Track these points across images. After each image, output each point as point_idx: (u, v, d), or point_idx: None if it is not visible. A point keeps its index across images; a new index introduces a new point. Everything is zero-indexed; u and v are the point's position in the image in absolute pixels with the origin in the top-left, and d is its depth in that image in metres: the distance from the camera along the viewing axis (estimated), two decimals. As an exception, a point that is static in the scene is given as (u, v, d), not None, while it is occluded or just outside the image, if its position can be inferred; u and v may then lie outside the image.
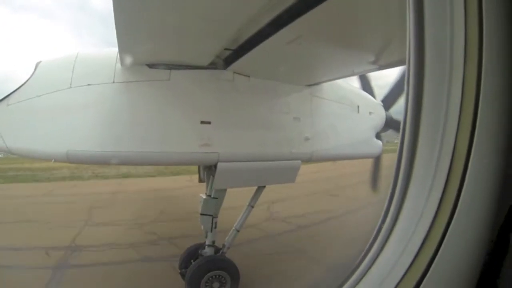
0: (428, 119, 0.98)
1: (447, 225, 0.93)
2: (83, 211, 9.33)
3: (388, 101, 6.08)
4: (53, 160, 3.56)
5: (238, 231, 4.43)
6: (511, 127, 0.90)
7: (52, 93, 3.48)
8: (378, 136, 5.68)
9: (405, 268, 0.99)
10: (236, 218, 4.53)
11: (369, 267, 1.09)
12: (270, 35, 2.67)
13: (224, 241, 4.41)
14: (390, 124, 5.93)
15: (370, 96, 5.77)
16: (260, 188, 4.47)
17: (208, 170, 4.40)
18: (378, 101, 5.96)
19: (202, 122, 3.66)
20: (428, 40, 0.96)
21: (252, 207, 4.52)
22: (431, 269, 0.94)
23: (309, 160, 4.50)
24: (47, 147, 3.44)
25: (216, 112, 3.75)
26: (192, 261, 4.42)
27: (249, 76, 3.95)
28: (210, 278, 4.03)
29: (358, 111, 5.15)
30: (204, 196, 4.36)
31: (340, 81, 4.86)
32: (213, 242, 4.36)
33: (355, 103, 5.12)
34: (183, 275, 4.45)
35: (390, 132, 6.18)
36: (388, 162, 6.19)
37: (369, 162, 6.36)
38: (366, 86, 6.09)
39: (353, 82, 5.94)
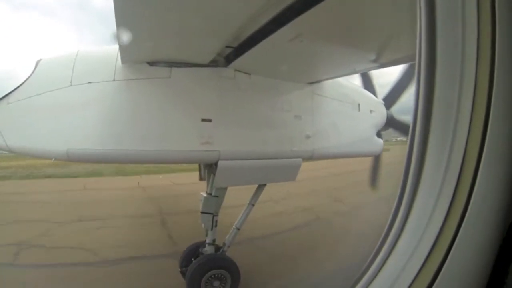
0: (439, 121, 0.97)
1: (456, 229, 0.91)
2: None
3: (390, 100, 6.08)
4: (53, 159, 3.55)
5: (238, 229, 4.43)
6: None
7: (52, 91, 3.46)
8: (378, 134, 5.68)
9: (415, 272, 0.98)
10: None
11: (377, 272, 1.08)
12: (271, 33, 2.65)
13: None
14: (391, 123, 5.93)
15: (371, 94, 5.77)
16: (261, 186, 4.47)
17: (209, 168, 4.39)
18: (379, 99, 5.95)
19: (203, 120, 3.65)
20: (440, 39, 0.94)
21: (253, 205, 4.52)
22: (440, 274, 0.93)
23: (310, 158, 4.49)
24: (47, 146, 3.43)
25: (217, 110, 3.74)
26: (192, 259, 4.42)
27: (250, 74, 3.93)
28: (211, 277, 4.04)
29: (359, 109, 5.14)
30: (204, 194, 4.36)
31: (341, 79, 4.85)
32: (214, 240, 4.37)
33: (356, 101, 5.12)
34: (183, 274, 4.46)
35: (390, 130, 6.19)
36: (387, 160, 6.24)
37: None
38: (368, 84, 6.08)
39: (355, 80, 5.95)
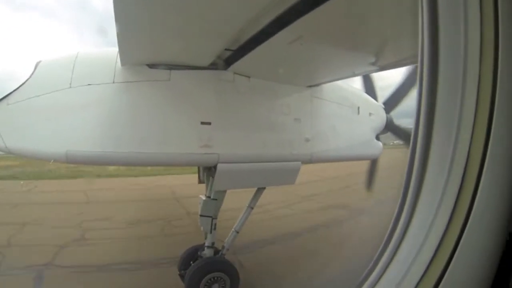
0: (442, 122, 0.96)
1: (460, 234, 0.91)
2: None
3: (390, 104, 6.08)
4: (52, 161, 3.54)
5: (237, 232, 4.41)
6: None
7: (52, 93, 3.46)
8: (376, 137, 5.69)
9: (418, 278, 0.97)
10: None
11: (379, 278, 1.07)
12: (271, 36, 2.66)
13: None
14: (390, 127, 5.93)
15: (370, 98, 5.77)
16: (260, 190, 4.45)
17: (208, 171, 4.39)
18: (379, 102, 5.96)
19: (202, 123, 3.65)
20: (442, 40, 0.93)
21: (252, 208, 4.51)
22: (443, 280, 0.92)
23: (309, 161, 4.48)
24: (46, 147, 3.42)
25: (216, 113, 3.74)
26: (191, 262, 4.40)
27: (249, 77, 3.94)
28: (210, 280, 4.02)
29: (358, 113, 5.15)
30: (203, 198, 4.34)
31: (340, 82, 4.86)
32: (213, 243, 4.35)
33: (355, 104, 5.12)
34: (182, 277, 4.43)
35: (388, 134, 6.19)
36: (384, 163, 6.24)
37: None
38: (369, 87, 6.10)
39: (357, 83, 5.98)
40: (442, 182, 0.96)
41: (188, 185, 8.60)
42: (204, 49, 3.29)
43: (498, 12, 0.85)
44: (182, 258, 4.75)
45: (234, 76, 3.83)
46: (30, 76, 3.60)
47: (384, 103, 6.02)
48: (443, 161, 0.96)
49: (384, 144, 6.01)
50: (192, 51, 3.40)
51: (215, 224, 4.27)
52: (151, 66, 3.57)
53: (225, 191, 4.17)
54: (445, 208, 0.95)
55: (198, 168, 5.25)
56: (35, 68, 3.65)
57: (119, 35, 2.78)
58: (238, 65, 3.55)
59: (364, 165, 6.46)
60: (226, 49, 3.29)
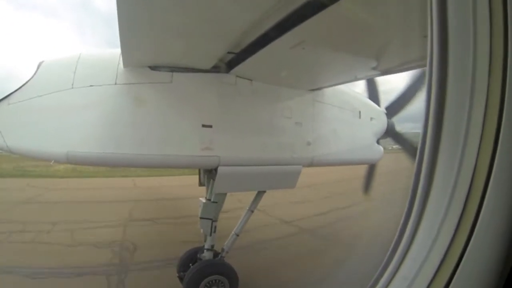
0: (451, 125, 0.96)
1: (469, 234, 0.90)
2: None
3: (393, 109, 6.08)
4: (52, 161, 3.53)
5: (237, 235, 4.40)
6: None
7: (53, 93, 3.46)
8: (377, 142, 5.69)
9: (428, 280, 0.96)
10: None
11: (390, 281, 1.07)
12: (273, 39, 2.66)
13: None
14: (390, 132, 5.93)
15: (371, 102, 5.77)
16: (260, 193, 4.45)
17: (209, 173, 4.38)
18: (381, 107, 5.96)
19: (204, 126, 3.65)
20: (452, 43, 0.93)
21: (252, 211, 4.51)
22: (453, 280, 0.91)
23: (310, 165, 4.48)
24: (47, 148, 3.42)
25: (217, 116, 3.73)
26: (190, 264, 4.38)
27: (251, 80, 3.94)
28: (209, 283, 4.00)
29: (360, 117, 5.15)
30: (203, 200, 4.34)
31: (342, 86, 4.85)
32: (212, 246, 4.34)
33: (356, 108, 5.13)
34: (181, 279, 4.42)
35: (388, 139, 6.19)
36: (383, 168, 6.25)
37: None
38: (373, 91, 6.09)
39: (360, 87, 5.99)
40: (451, 185, 0.96)
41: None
42: (206, 51, 3.29)
43: (507, 15, 0.84)
44: (182, 260, 4.74)
45: (236, 79, 3.83)
46: (33, 76, 3.61)
47: (387, 108, 6.02)
48: (452, 161, 0.96)
49: (384, 148, 6.02)
50: (194, 54, 3.40)
51: (215, 227, 4.26)
52: (153, 68, 3.57)
53: (225, 194, 4.17)
54: (454, 211, 0.95)
55: (199, 170, 5.25)
56: (38, 68, 3.65)
57: (122, 37, 2.78)
58: (240, 68, 3.55)
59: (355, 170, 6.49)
60: (228, 52, 3.28)
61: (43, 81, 3.56)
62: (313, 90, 4.46)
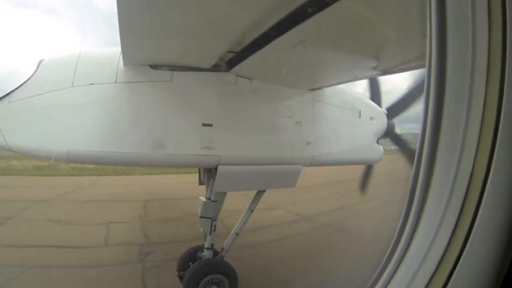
0: (449, 124, 0.96)
1: (466, 236, 0.90)
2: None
3: (394, 110, 6.06)
4: (53, 160, 3.54)
5: (237, 234, 4.41)
6: None
7: (54, 91, 3.46)
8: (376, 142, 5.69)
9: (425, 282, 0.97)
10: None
11: (389, 281, 1.07)
12: (274, 38, 2.65)
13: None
14: (389, 133, 5.92)
15: (371, 102, 5.77)
16: (260, 192, 4.45)
17: (209, 172, 4.38)
18: (382, 107, 5.95)
19: (204, 125, 3.64)
20: (450, 42, 0.93)
21: (252, 211, 4.51)
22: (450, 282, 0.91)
23: (310, 165, 4.48)
24: (47, 146, 3.42)
25: (218, 115, 3.73)
26: (190, 263, 4.39)
27: (251, 79, 3.93)
28: (208, 282, 4.01)
29: (360, 116, 5.14)
30: (203, 199, 4.34)
31: (342, 86, 4.85)
32: (212, 245, 4.34)
33: (357, 108, 5.12)
34: (181, 278, 4.42)
35: (386, 140, 6.18)
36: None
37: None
38: (375, 91, 6.09)
39: (362, 86, 5.98)
40: (448, 186, 0.96)
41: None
42: (207, 50, 3.28)
43: (506, 17, 0.84)
44: (181, 259, 4.74)
45: (236, 78, 3.83)
46: (33, 74, 3.60)
47: (388, 110, 6.00)
48: (450, 163, 0.96)
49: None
50: (195, 53, 3.39)
51: (215, 226, 4.26)
52: (154, 66, 3.56)
53: (225, 193, 4.17)
54: (452, 212, 0.95)
55: (199, 169, 5.25)
56: (38, 67, 3.65)
57: (122, 35, 2.77)
58: (240, 67, 3.54)
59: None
60: (229, 51, 3.28)
61: (44, 80, 3.56)
62: (313, 89, 4.46)
